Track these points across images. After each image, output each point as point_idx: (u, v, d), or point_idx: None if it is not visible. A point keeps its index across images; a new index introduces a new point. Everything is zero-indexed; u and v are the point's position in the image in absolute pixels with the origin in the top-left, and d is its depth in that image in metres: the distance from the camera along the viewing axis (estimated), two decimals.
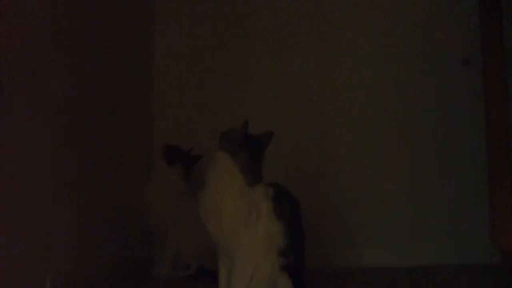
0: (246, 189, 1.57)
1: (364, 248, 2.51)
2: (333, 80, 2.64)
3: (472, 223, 2.48)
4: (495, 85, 1.75)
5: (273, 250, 1.54)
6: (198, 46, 2.72)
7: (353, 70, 2.64)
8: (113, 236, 2.12)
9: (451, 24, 2.61)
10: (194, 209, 1.83)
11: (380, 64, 2.63)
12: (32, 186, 1.52)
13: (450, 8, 2.61)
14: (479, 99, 1.97)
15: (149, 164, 2.57)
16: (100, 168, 2.03)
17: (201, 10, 2.74)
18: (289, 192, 1.66)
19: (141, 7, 2.61)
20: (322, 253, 2.45)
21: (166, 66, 2.73)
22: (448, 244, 2.49)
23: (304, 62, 2.66)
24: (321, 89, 2.64)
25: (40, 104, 1.58)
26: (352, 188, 2.57)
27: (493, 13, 1.77)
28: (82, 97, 1.87)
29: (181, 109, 2.70)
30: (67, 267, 1.69)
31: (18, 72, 1.46)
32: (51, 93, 1.65)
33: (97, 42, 2.02)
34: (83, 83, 1.89)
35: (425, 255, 2.47)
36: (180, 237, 2.24)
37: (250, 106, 2.66)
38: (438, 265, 2.42)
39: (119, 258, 2.14)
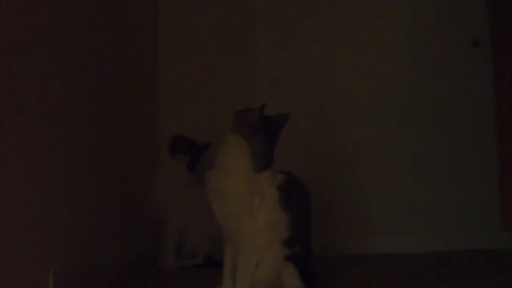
0: (253, 174, 1.52)
1: (372, 235, 2.50)
2: (342, 69, 2.60)
3: (483, 209, 2.44)
4: (505, 66, 1.71)
5: (276, 240, 1.51)
6: (203, 36, 2.69)
7: (358, 57, 2.59)
8: (118, 228, 2.12)
9: (460, 5, 2.55)
10: (199, 198, 1.82)
11: (387, 49, 2.58)
12: (36, 178, 1.52)
13: None
14: (489, 81, 1.93)
15: (156, 155, 2.56)
16: (106, 159, 2.02)
17: (206, 2, 2.70)
18: (300, 182, 1.60)
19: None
20: (332, 240, 2.44)
21: (171, 57, 2.70)
22: (458, 229, 2.47)
23: (312, 48, 2.62)
24: (332, 78, 2.60)
25: (42, 98, 1.57)
26: (363, 177, 2.54)
27: None
28: (86, 91, 1.86)
29: (187, 100, 2.68)
30: (70, 260, 1.69)
31: (21, 67, 1.45)
32: (55, 87, 1.64)
33: (101, 36, 2.00)
34: (88, 77, 1.88)
35: (436, 242, 2.45)
36: (184, 227, 2.24)
37: (257, 96, 2.62)
38: (448, 251, 2.40)
39: (125, 250, 2.14)
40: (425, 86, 2.56)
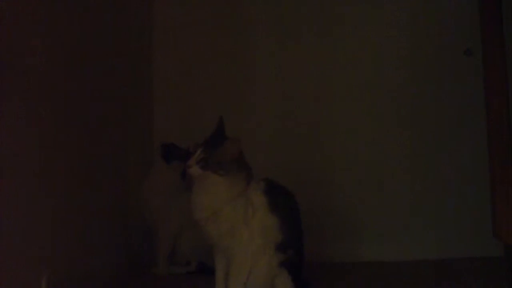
0: (243, 187, 1.54)
1: (365, 242, 2.50)
2: (332, 76, 2.62)
3: (474, 216, 2.45)
4: (495, 75, 1.73)
5: (270, 246, 1.52)
6: (198, 43, 2.71)
7: (353, 65, 2.61)
8: (112, 233, 2.12)
9: (453, 14, 2.57)
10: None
11: (381, 58, 2.60)
12: (29, 183, 1.52)
13: None
14: (481, 89, 1.95)
15: (150, 162, 2.56)
16: (100, 165, 2.02)
17: (201, 7, 2.72)
18: (281, 185, 1.63)
19: (140, 2, 2.60)
20: (325, 247, 2.44)
21: (166, 63, 2.72)
22: (449, 237, 2.47)
23: (304, 59, 2.63)
24: (321, 86, 2.62)
25: (39, 103, 1.57)
26: (353, 184, 2.55)
27: (492, 2, 1.74)
28: (81, 95, 1.87)
29: (181, 107, 2.69)
30: (63, 265, 1.68)
31: (17, 69, 1.46)
32: (50, 91, 1.65)
33: (96, 39, 2.01)
34: (82, 81, 1.89)
35: (427, 249, 2.46)
36: (176, 234, 2.24)
37: (250, 103, 2.64)
38: (440, 258, 2.40)
39: (118, 256, 2.14)
40: (418, 93, 2.56)
